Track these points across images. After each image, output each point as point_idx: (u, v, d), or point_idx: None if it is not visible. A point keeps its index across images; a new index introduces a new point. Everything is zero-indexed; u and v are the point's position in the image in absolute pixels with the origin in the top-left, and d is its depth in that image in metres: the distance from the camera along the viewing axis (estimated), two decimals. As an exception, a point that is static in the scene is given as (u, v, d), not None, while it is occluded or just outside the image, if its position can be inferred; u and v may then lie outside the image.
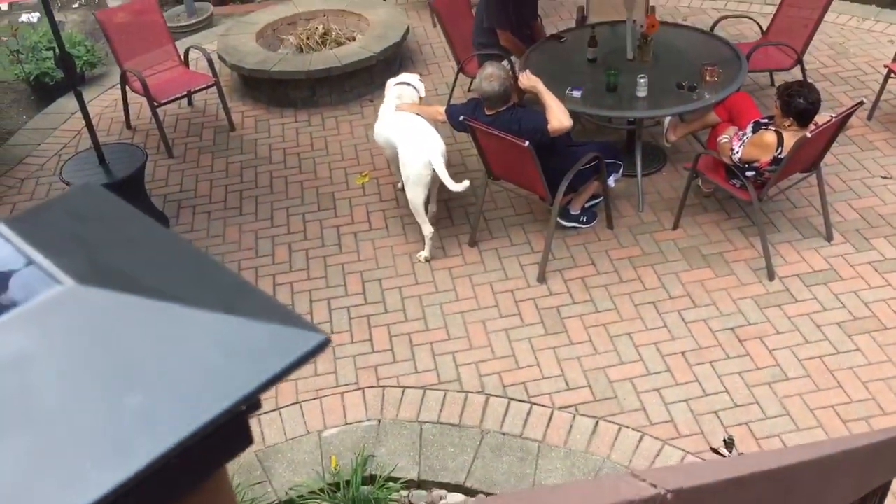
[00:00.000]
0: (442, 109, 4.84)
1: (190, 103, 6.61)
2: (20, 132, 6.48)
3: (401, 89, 4.99)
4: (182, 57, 6.37)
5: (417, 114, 4.83)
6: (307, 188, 5.59)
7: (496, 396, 3.98)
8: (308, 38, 6.82)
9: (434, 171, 4.55)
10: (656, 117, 5.36)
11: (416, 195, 4.63)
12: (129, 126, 6.40)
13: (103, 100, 6.81)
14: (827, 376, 3.91)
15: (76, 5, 8.84)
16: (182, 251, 0.55)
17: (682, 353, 4.11)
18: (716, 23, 6.22)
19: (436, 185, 4.77)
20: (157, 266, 0.54)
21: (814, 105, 4.24)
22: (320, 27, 6.88)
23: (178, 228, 5.28)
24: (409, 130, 4.69)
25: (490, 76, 4.43)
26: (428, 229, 4.74)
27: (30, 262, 0.51)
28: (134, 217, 0.58)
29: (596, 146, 4.79)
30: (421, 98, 5.03)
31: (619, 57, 5.32)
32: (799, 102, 4.22)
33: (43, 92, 6.81)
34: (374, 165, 5.75)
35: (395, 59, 6.83)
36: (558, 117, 4.33)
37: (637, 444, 3.69)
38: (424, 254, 4.82)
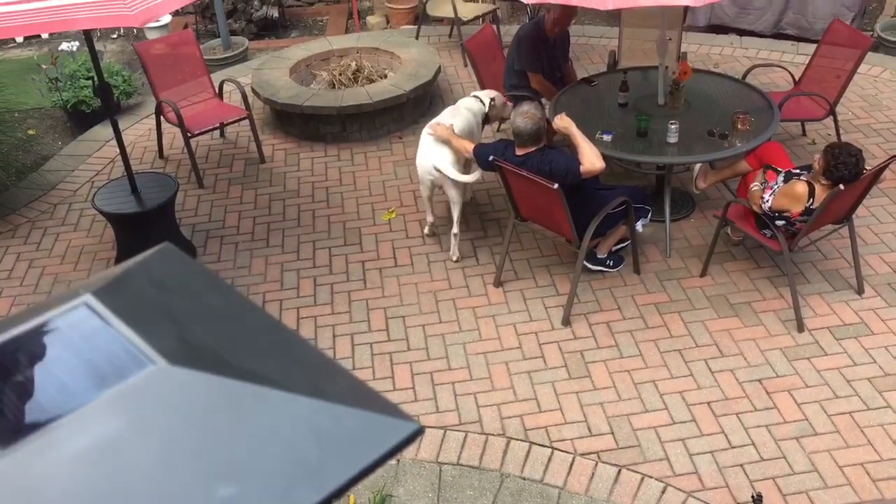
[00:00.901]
0: (471, 147, 4.86)
1: (222, 135, 6.70)
2: (55, 158, 6.59)
3: (469, 101, 5.37)
4: (216, 89, 6.47)
5: (446, 141, 4.94)
6: (334, 222, 5.62)
7: (517, 440, 3.93)
8: (340, 75, 6.90)
9: (434, 175, 4.96)
10: (686, 164, 5.34)
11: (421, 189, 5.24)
12: (161, 155, 6.48)
13: (137, 129, 6.91)
14: (857, 433, 3.83)
15: (115, 36, 9.03)
16: (263, 323, 0.55)
17: (708, 403, 4.05)
18: (748, 71, 6.22)
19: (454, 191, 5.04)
20: (242, 342, 0.53)
21: (857, 175, 4.19)
22: (353, 64, 6.97)
23: (206, 258, 5.31)
24: (424, 138, 5.13)
25: (526, 113, 4.45)
26: (429, 217, 5.31)
27: (121, 338, 0.50)
28: (212, 283, 0.58)
29: (625, 190, 4.77)
30: (488, 108, 5.41)
31: (651, 102, 5.33)
32: (844, 174, 4.17)
33: (79, 119, 6.93)
34: (401, 202, 5.77)
35: (426, 97, 6.89)
36: (591, 160, 4.34)
37: (660, 494, 3.62)
38: (426, 230, 5.39)
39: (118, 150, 5.11)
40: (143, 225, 5.05)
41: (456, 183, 4.95)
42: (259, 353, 0.53)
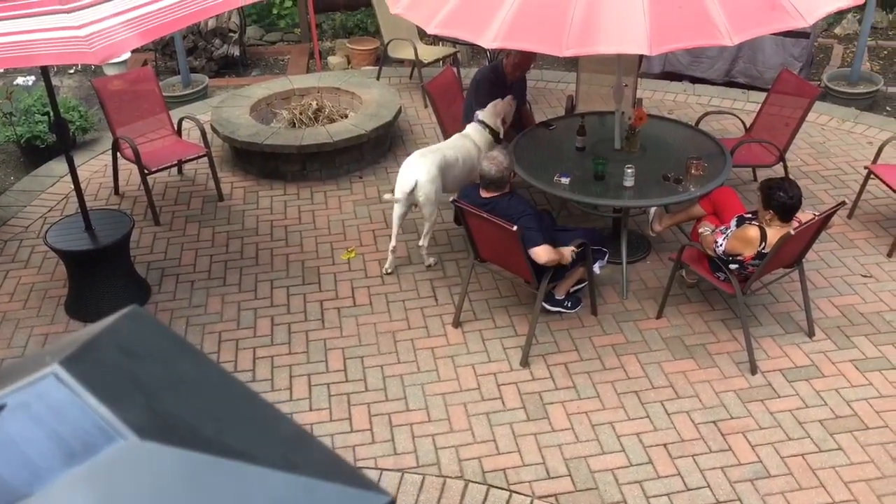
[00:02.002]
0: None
1: (180, 172, 6.65)
2: (7, 193, 6.47)
3: (472, 127, 5.56)
4: (175, 126, 6.43)
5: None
6: (293, 261, 5.58)
7: (475, 482, 3.91)
8: (301, 114, 6.91)
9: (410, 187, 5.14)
10: (642, 207, 5.43)
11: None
12: (117, 192, 6.40)
13: (93, 165, 6.83)
14: (809, 475, 3.88)
15: (72, 71, 8.96)
16: (236, 392, 0.54)
17: (665, 445, 4.07)
18: (701, 118, 6.38)
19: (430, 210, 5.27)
20: (214, 412, 0.53)
21: (794, 200, 4.32)
22: (314, 103, 6.99)
23: (161, 297, 5.23)
24: (411, 156, 5.33)
25: (493, 159, 4.51)
26: (393, 241, 5.36)
27: (90, 411, 0.49)
28: (182, 349, 0.57)
29: (582, 232, 4.84)
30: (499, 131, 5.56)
31: (607, 146, 5.43)
32: (780, 196, 4.30)
33: (33, 154, 6.82)
34: (360, 241, 5.76)
35: (387, 137, 6.93)
36: (547, 256, 4.41)
37: (617, 538, 3.61)
38: (386, 266, 5.43)
39: (73, 186, 5.03)
40: (96, 263, 4.97)
41: (432, 202, 5.18)
42: (232, 423, 0.52)
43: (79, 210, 5.02)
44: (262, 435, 0.50)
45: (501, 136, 5.61)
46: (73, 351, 0.52)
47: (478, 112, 5.57)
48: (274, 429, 0.52)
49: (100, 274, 5.01)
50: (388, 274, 5.40)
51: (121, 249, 5.07)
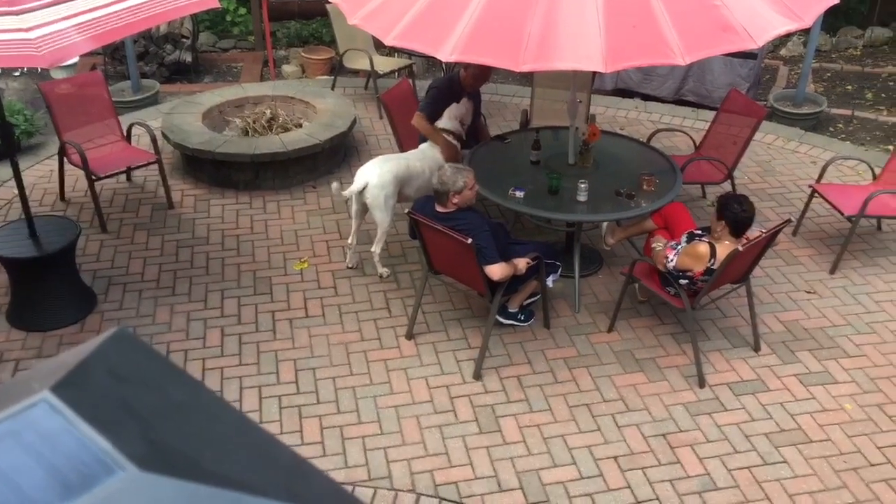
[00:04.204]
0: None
1: (129, 179, 6.52)
2: (-54, 197, 6.27)
3: (424, 146, 5.61)
4: (124, 132, 6.31)
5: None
6: (244, 271, 5.51)
7: (427, 496, 3.89)
8: (255, 122, 6.85)
9: (351, 192, 5.24)
10: (595, 222, 5.49)
11: None
12: (63, 198, 6.25)
13: (38, 170, 6.66)
14: (755, 488, 3.95)
15: (17, 73, 8.74)
16: (232, 419, 0.52)
17: (615, 458, 4.11)
18: (652, 135, 6.49)
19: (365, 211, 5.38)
20: (212, 441, 0.51)
21: (747, 215, 4.42)
22: (268, 112, 6.93)
23: (107, 306, 5.12)
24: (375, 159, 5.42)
25: (443, 171, 4.52)
26: (350, 239, 5.47)
27: (86, 441, 0.47)
28: (174, 375, 0.55)
29: (536, 246, 4.87)
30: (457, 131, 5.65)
31: (561, 161, 5.48)
32: (735, 207, 4.40)
33: (-25, 158, 6.62)
34: (313, 252, 5.72)
35: (341, 148, 6.90)
36: (501, 272, 4.43)
37: (568, 550, 3.63)
38: (347, 260, 5.57)
39: (17, 191, 4.90)
40: (40, 270, 4.84)
41: (381, 207, 5.21)
42: (230, 453, 0.50)
43: (23, 216, 4.88)
44: (262, 464, 0.49)
45: (464, 137, 5.66)
46: (63, 376, 0.50)
47: (437, 122, 5.59)
48: (273, 457, 0.50)
49: (44, 282, 4.88)
50: (349, 268, 5.51)
51: (66, 257, 4.95)
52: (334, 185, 5.42)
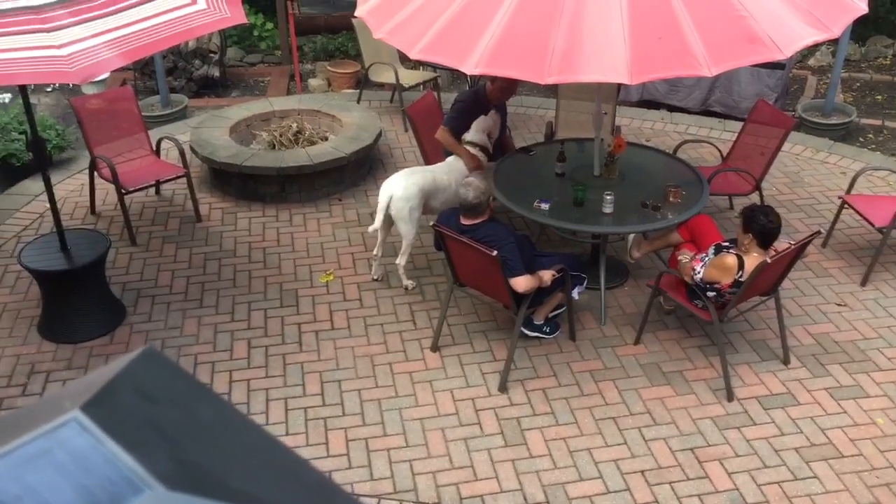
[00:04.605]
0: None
1: (158, 192, 6.60)
2: (-20, 211, 6.39)
3: (451, 159, 5.64)
4: (154, 146, 6.40)
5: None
6: (270, 284, 5.55)
7: (453, 509, 3.88)
8: (281, 136, 6.90)
9: (385, 201, 5.23)
10: (621, 234, 5.47)
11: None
12: (93, 212, 6.34)
13: (69, 184, 6.77)
14: (785, 503, 3.89)
15: (50, 89, 8.89)
16: (258, 438, 0.53)
17: (642, 472, 4.07)
18: (679, 146, 6.46)
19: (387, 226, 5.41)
20: (238, 460, 0.51)
21: (774, 226, 4.37)
22: (294, 125, 6.99)
23: (136, 318, 5.18)
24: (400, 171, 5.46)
25: (468, 184, 4.53)
26: (376, 251, 5.49)
27: (115, 460, 0.47)
28: (201, 393, 0.56)
29: (561, 258, 4.86)
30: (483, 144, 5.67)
31: (587, 173, 5.47)
32: (761, 219, 4.36)
33: (8, 173, 6.74)
34: (339, 264, 5.75)
35: (367, 160, 6.93)
36: (527, 284, 4.42)
37: (595, 566, 3.59)
38: (372, 272, 5.59)
39: (48, 205, 4.98)
40: (71, 283, 4.91)
41: (405, 220, 5.21)
42: (256, 472, 0.51)
43: (54, 229, 4.96)
44: (288, 483, 0.49)
45: (490, 150, 5.66)
46: (93, 395, 0.51)
47: (465, 135, 5.61)
48: (298, 476, 0.51)
49: (74, 294, 4.95)
50: (375, 280, 5.53)
51: (96, 270, 5.01)
52: (370, 228, 5.37)
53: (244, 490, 0.48)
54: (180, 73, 8.81)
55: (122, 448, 0.48)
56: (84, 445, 0.48)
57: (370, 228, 5.35)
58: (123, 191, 5.89)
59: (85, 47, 3.66)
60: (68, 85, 8.65)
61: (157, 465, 0.47)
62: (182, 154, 6.24)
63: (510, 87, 5.84)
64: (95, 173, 6.14)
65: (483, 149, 5.63)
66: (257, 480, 0.50)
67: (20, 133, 6.62)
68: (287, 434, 4.31)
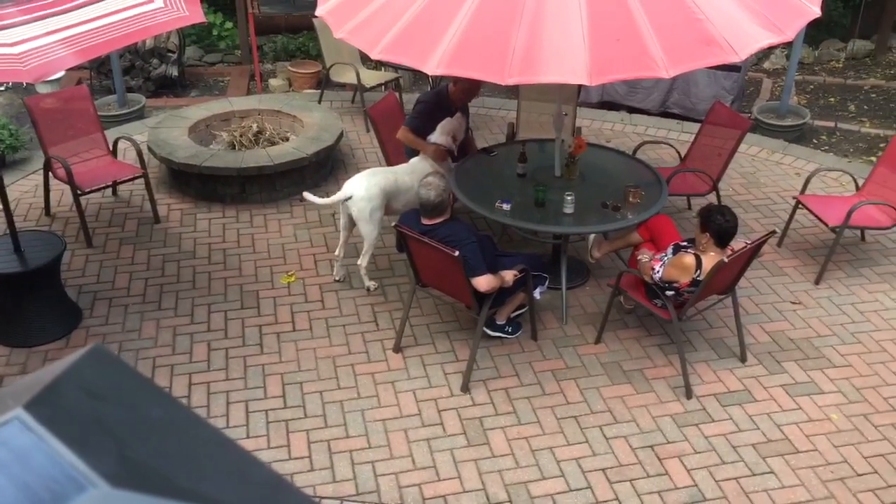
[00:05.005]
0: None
1: (115, 193, 6.50)
2: (-70, 212, 6.22)
3: (416, 160, 5.61)
4: (110, 146, 6.30)
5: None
6: (231, 285, 5.50)
7: (415, 510, 3.88)
8: (241, 136, 6.84)
9: (346, 198, 5.23)
10: (582, 234, 5.51)
11: None
12: (48, 213, 6.22)
13: (23, 185, 6.63)
14: (743, 499, 3.96)
15: (2, 88, 8.71)
16: (208, 437, 0.52)
17: (603, 470, 4.11)
18: (638, 147, 6.53)
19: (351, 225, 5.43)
20: (187, 459, 0.51)
21: (731, 225, 4.45)
22: (254, 125, 6.93)
23: (92, 321, 5.09)
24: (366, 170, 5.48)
25: (428, 184, 4.53)
26: (338, 251, 5.50)
27: (58, 458, 0.47)
28: (150, 392, 0.55)
29: (523, 258, 4.88)
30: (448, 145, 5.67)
31: (548, 173, 5.50)
32: (718, 218, 4.43)
33: (-41, 172, 6.59)
34: (300, 265, 5.71)
35: (328, 161, 6.90)
36: (488, 284, 4.44)
37: (557, 563, 3.62)
38: (334, 273, 5.58)
39: (1, 206, 4.87)
40: (25, 286, 4.81)
41: (366, 220, 5.21)
42: (206, 471, 0.50)
43: (7, 231, 4.86)
44: (237, 481, 0.49)
45: (455, 152, 5.67)
46: (36, 393, 0.50)
47: (429, 137, 5.61)
48: (249, 475, 0.50)
49: (29, 297, 4.85)
50: (337, 281, 5.51)
51: (51, 272, 4.92)
52: (305, 193, 5.41)
53: (193, 488, 0.47)
54: (137, 73, 8.68)
55: (66, 446, 0.47)
56: (27, 443, 0.48)
57: (309, 196, 5.34)
58: (79, 192, 5.78)
59: (39, 45, 3.59)
60: (22, 84, 8.47)
61: (102, 463, 0.47)
62: (140, 154, 6.15)
63: (473, 88, 5.86)
64: (50, 174, 6.03)
65: (448, 151, 5.64)
66: (207, 478, 0.50)
67: (-28, 133, 6.48)
68: (248, 437, 4.27)
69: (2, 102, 8.37)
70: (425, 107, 5.80)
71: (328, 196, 5.46)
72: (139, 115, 7.88)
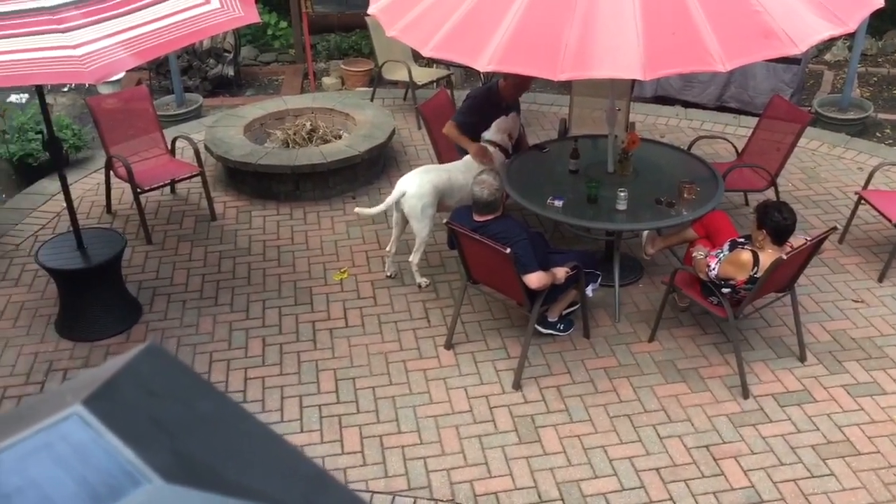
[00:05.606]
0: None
1: (173, 191, 6.64)
2: (-2, 210, 6.45)
3: (467, 158, 5.60)
4: (169, 145, 6.43)
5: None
6: (285, 282, 5.57)
7: (467, 506, 3.88)
8: (295, 134, 6.92)
9: (399, 197, 5.25)
10: (635, 230, 5.45)
11: None
12: (109, 211, 6.39)
13: (85, 183, 6.82)
14: (801, 501, 3.87)
15: (66, 89, 8.96)
16: (255, 431, 0.53)
17: (657, 470, 4.06)
18: (693, 142, 6.42)
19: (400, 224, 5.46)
20: (236, 453, 0.52)
21: (789, 222, 4.34)
22: (308, 124, 7.00)
23: (152, 316, 5.21)
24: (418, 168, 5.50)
25: (481, 182, 4.52)
26: (389, 247, 5.53)
27: (115, 453, 0.48)
28: (201, 388, 0.56)
29: (575, 255, 4.85)
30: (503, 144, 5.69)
31: (600, 170, 5.45)
32: (775, 215, 4.33)
33: (25, 172, 6.81)
34: (353, 262, 5.76)
35: (380, 158, 6.94)
36: (540, 281, 4.41)
37: (610, 563, 3.59)
38: (385, 269, 5.62)
39: (65, 204, 5.02)
40: (88, 282, 4.95)
41: (418, 217, 5.22)
42: (252, 464, 0.51)
43: (71, 228, 5.00)
44: (283, 475, 0.50)
45: (510, 151, 5.66)
46: (94, 390, 0.52)
47: (484, 133, 5.61)
48: (294, 469, 0.51)
49: (91, 293, 4.98)
50: (388, 278, 5.55)
51: (113, 268, 5.05)
52: (357, 209, 5.49)
53: (241, 482, 0.48)
54: (195, 73, 8.85)
55: (123, 441, 0.49)
56: (85, 439, 0.49)
57: (361, 210, 5.44)
58: (139, 190, 5.92)
59: (99, 47, 3.68)
60: (84, 85, 8.71)
61: (157, 459, 0.48)
62: (197, 153, 6.27)
63: (523, 84, 5.83)
64: (111, 172, 6.19)
65: (503, 149, 5.63)
66: (253, 472, 0.51)
67: (37, 133, 6.68)
68: (301, 431, 4.32)
69: (65, 103, 8.61)
70: (474, 102, 5.79)
71: (382, 199, 5.49)
72: (196, 114, 8.03)
